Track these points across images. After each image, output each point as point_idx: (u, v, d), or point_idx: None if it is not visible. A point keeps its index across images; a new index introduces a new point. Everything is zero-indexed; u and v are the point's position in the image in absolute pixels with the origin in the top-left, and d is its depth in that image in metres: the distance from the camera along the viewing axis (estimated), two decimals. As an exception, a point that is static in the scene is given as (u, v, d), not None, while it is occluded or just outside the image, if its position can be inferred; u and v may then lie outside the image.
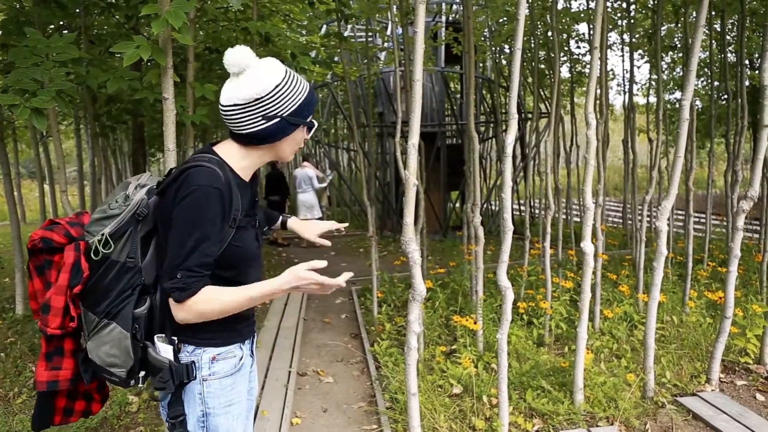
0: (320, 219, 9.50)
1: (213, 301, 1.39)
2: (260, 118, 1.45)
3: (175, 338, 1.48)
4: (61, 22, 4.00)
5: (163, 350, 1.47)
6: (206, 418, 1.51)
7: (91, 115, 4.67)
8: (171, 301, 1.39)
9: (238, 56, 1.43)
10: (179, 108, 2.81)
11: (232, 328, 1.56)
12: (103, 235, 1.41)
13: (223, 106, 1.46)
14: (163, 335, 1.48)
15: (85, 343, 1.49)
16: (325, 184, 9.56)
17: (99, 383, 1.67)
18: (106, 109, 4.85)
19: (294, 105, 1.48)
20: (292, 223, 2.00)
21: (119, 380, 1.48)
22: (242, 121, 1.46)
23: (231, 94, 1.44)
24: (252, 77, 1.43)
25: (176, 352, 1.48)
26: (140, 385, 1.51)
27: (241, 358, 1.58)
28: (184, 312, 1.38)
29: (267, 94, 1.44)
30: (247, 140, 1.50)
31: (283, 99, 1.46)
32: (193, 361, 1.48)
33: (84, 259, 1.44)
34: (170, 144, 2.39)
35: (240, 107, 1.44)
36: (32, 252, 1.52)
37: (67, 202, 3.04)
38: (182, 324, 1.44)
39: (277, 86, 1.44)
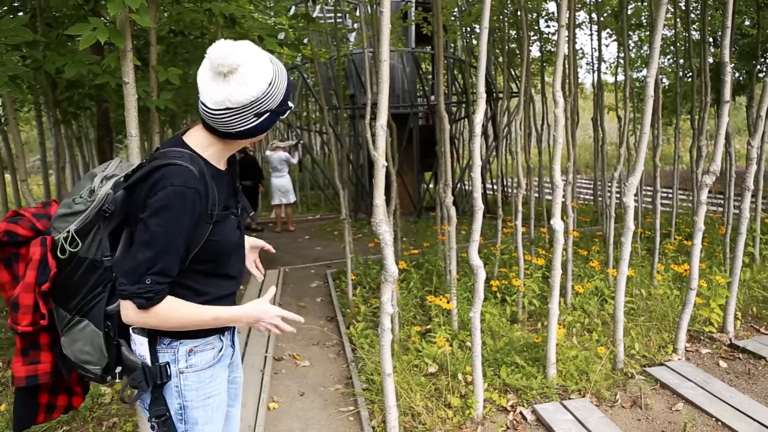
0: (294, 203, 9.46)
1: (176, 312, 1.37)
2: (252, 117, 1.38)
3: (153, 331, 1.44)
4: (15, 3, 3.84)
5: (139, 342, 1.43)
6: (184, 410, 1.49)
7: (51, 101, 4.51)
8: (127, 303, 1.33)
9: (227, 56, 1.31)
10: (142, 93, 2.73)
11: None
12: (68, 232, 1.38)
13: (211, 109, 1.35)
14: (138, 329, 1.43)
15: (60, 338, 1.45)
16: (295, 161, 9.57)
17: (79, 375, 1.62)
18: (67, 95, 4.68)
19: (281, 96, 1.41)
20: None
21: (95, 377, 1.45)
22: (233, 123, 1.38)
23: (221, 98, 1.33)
24: (245, 79, 1.33)
25: (152, 344, 1.44)
26: (118, 380, 1.48)
27: (220, 350, 1.56)
28: (144, 317, 1.34)
29: (262, 95, 1.36)
30: (232, 136, 1.43)
31: (274, 94, 1.39)
32: (168, 362, 1.45)
33: (51, 256, 1.39)
34: (132, 130, 2.32)
35: (233, 110, 1.35)
36: None
37: (28, 191, 2.95)
38: None
39: (270, 83, 1.36)
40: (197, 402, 1.50)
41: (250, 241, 1.88)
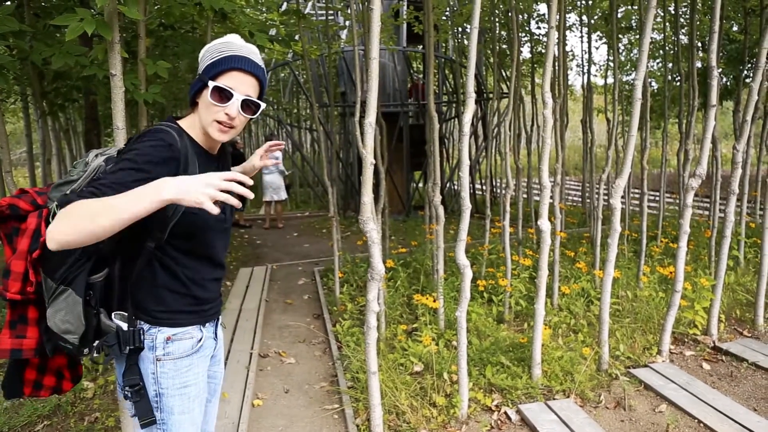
0: (285, 200, 9.41)
1: (80, 204, 1.22)
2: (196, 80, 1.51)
3: (133, 316, 1.48)
4: (1, -7, 3.79)
5: (123, 326, 1.47)
6: (160, 398, 1.51)
7: (38, 93, 4.45)
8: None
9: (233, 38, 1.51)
10: (130, 86, 2.70)
11: (191, 310, 1.55)
12: (62, 199, 1.40)
13: None
14: (122, 313, 1.48)
15: (47, 309, 1.46)
16: (282, 167, 9.45)
17: (69, 360, 1.65)
18: (54, 87, 4.62)
19: (205, 63, 1.48)
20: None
21: (72, 347, 1.45)
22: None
23: None
24: None
25: (134, 328, 1.48)
26: (95, 355, 1.49)
27: (200, 340, 1.57)
28: (53, 223, 1.23)
29: (201, 56, 1.51)
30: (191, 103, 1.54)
31: (203, 58, 1.50)
32: (141, 329, 1.48)
33: (44, 225, 1.42)
34: (119, 122, 2.30)
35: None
36: (2, 219, 1.51)
37: (13, 183, 2.90)
38: (137, 301, 1.46)
39: (208, 47, 1.50)
40: (173, 390, 1.52)
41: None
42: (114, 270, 1.47)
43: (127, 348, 1.46)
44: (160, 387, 1.50)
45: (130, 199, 1.20)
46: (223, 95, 1.45)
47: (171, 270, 1.50)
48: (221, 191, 1.20)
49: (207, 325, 1.61)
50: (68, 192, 1.43)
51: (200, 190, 1.18)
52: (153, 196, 1.19)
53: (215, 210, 1.20)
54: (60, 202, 1.28)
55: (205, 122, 1.48)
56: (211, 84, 1.44)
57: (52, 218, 1.35)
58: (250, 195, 1.28)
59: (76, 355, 1.48)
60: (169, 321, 1.50)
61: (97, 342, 1.48)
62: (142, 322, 1.49)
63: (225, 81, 1.45)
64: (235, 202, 1.25)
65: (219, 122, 1.47)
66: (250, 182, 1.27)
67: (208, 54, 1.49)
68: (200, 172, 1.45)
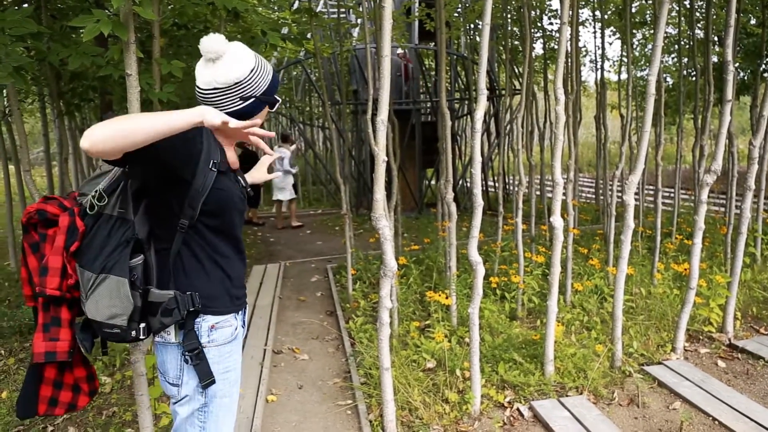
0: (293, 199, 9.40)
1: (120, 116, 1.31)
2: (238, 100, 1.57)
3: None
4: (19, -5, 3.85)
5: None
6: (209, 365, 1.57)
7: (55, 93, 4.52)
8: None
9: (214, 44, 1.53)
10: (145, 85, 2.74)
11: (230, 296, 1.63)
12: (97, 191, 1.49)
13: (201, 89, 1.58)
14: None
15: (84, 306, 1.50)
16: (292, 171, 9.32)
17: (88, 373, 1.68)
18: (70, 87, 4.69)
19: (265, 85, 1.61)
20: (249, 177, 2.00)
21: (120, 331, 1.48)
22: (221, 103, 1.57)
23: (209, 78, 1.55)
24: (229, 63, 1.54)
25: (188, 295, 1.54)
26: (141, 338, 1.52)
27: (236, 328, 1.65)
28: (95, 127, 1.26)
29: (245, 78, 1.56)
30: None
31: (257, 81, 1.59)
32: (194, 294, 1.53)
33: (79, 219, 1.50)
34: (135, 121, 2.33)
35: (220, 91, 1.56)
36: (26, 228, 1.55)
37: (31, 182, 2.95)
38: (181, 282, 1.53)
39: (252, 70, 1.57)
40: (218, 375, 1.58)
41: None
42: (149, 256, 1.54)
43: (187, 310, 1.51)
44: None
45: (167, 114, 1.32)
46: (275, 103, 1.68)
47: (205, 252, 1.57)
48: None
49: (239, 313, 1.69)
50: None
51: (220, 116, 1.36)
52: (180, 116, 1.33)
53: (235, 122, 1.39)
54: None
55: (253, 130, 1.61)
56: (278, 99, 1.67)
57: (90, 209, 1.48)
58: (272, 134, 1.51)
59: (122, 339, 1.50)
60: (211, 309, 1.57)
61: (143, 325, 1.50)
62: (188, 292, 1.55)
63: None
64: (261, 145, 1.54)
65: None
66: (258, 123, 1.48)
67: (263, 75, 1.61)
68: (221, 159, 1.56)
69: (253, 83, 1.58)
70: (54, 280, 1.48)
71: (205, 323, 1.56)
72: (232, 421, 1.68)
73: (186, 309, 1.51)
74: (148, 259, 1.53)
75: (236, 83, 1.55)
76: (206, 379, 1.55)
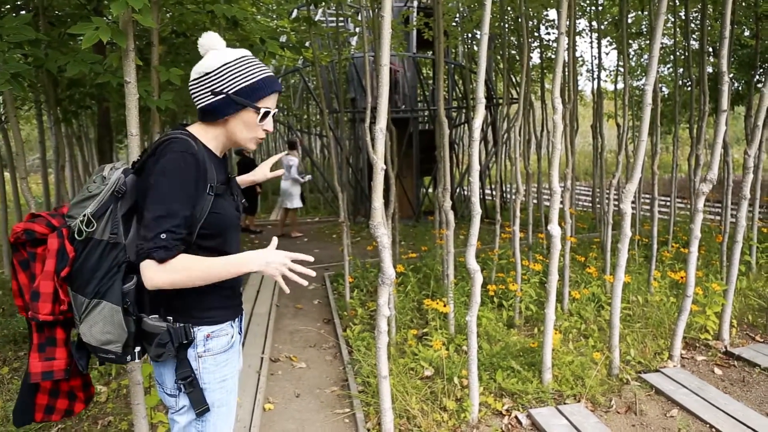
0: (296, 209, 9.37)
1: (193, 263, 1.43)
2: (208, 93, 1.54)
3: (170, 317, 1.52)
4: (18, 2, 3.86)
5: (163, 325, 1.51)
6: (203, 393, 1.57)
7: (52, 100, 4.52)
8: (147, 264, 1.39)
9: (205, 40, 1.56)
10: (143, 92, 2.75)
11: (225, 306, 1.62)
12: (85, 215, 1.45)
13: (189, 82, 1.60)
14: (156, 316, 1.51)
15: (78, 328, 1.49)
16: (301, 180, 9.24)
17: (83, 381, 1.67)
18: (68, 94, 4.70)
19: (239, 85, 1.54)
20: (242, 179, 2.03)
21: (116, 356, 1.49)
22: (195, 95, 1.57)
23: (193, 70, 1.58)
24: (207, 56, 1.56)
25: (180, 325, 1.53)
26: (137, 361, 1.53)
27: (232, 336, 1.64)
28: (164, 273, 1.39)
29: (213, 71, 1.53)
30: (203, 115, 1.58)
31: (228, 77, 1.53)
32: (189, 324, 1.53)
33: (68, 243, 1.46)
34: (133, 129, 2.34)
35: (194, 81, 1.57)
36: (15, 247, 1.52)
37: (28, 189, 2.95)
38: (177, 303, 1.50)
39: (224, 64, 1.54)
40: (214, 384, 1.58)
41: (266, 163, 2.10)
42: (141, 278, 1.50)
43: (179, 342, 1.51)
44: (203, 382, 1.56)
45: (238, 264, 1.46)
46: (266, 116, 1.59)
47: None
48: (288, 268, 1.48)
49: (236, 320, 1.68)
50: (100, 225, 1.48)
51: (278, 269, 1.47)
52: (244, 268, 1.47)
53: (286, 288, 1.55)
54: (151, 248, 1.38)
55: (243, 138, 1.60)
56: (262, 109, 1.57)
57: (78, 235, 1.45)
58: (312, 273, 1.52)
59: (118, 362, 1.51)
60: (207, 320, 1.56)
61: (138, 348, 1.51)
62: (181, 324, 1.52)
63: (268, 104, 1.59)
64: (303, 282, 1.51)
65: (258, 138, 1.62)
66: (311, 259, 1.54)
67: (239, 74, 1.54)
68: (217, 174, 1.55)
69: (223, 78, 1.53)
70: (46, 306, 1.46)
71: (200, 333, 1.55)
72: (230, 429, 1.67)
73: (179, 341, 1.50)
74: (140, 282, 1.46)
75: (206, 74, 1.54)
76: (199, 407, 1.54)
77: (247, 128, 1.59)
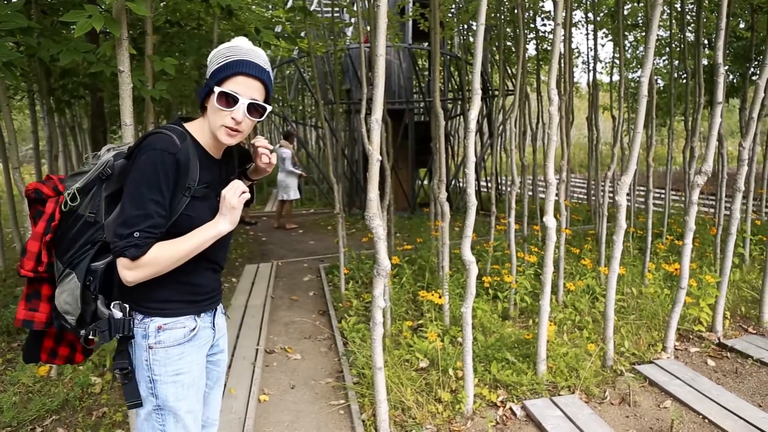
0: (293, 201, 9.34)
1: (164, 250, 1.46)
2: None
3: (126, 306, 1.55)
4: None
5: (116, 315, 1.54)
6: (154, 384, 1.57)
7: (45, 90, 4.48)
8: (122, 261, 1.43)
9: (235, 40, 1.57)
10: (137, 82, 2.72)
11: (184, 300, 1.60)
12: (72, 189, 1.53)
13: None
14: (118, 302, 1.55)
15: (56, 288, 1.58)
16: (296, 171, 9.21)
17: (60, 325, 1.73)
18: (61, 84, 4.65)
19: (211, 69, 1.52)
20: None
21: (71, 327, 1.57)
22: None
23: None
24: None
25: (126, 318, 1.55)
26: (89, 337, 1.56)
27: (193, 329, 1.61)
28: (136, 270, 1.44)
29: (209, 60, 1.55)
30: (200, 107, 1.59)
31: (211, 65, 1.53)
32: (133, 319, 1.55)
33: (57, 210, 1.55)
34: (127, 119, 2.32)
35: None
36: (29, 201, 1.64)
37: (20, 180, 2.93)
38: (131, 293, 1.52)
39: (215, 53, 1.54)
40: (166, 377, 1.57)
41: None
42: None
43: (117, 335, 1.53)
44: (153, 374, 1.56)
45: (198, 236, 1.50)
46: (229, 100, 1.49)
47: None
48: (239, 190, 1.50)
49: (202, 315, 1.65)
50: (85, 212, 1.55)
51: (238, 199, 1.50)
52: (212, 231, 1.51)
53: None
54: (124, 246, 1.42)
55: (214, 126, 1.53)
56: (217, 89, 1.48)
57: (63, 206, 1.53)
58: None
59: (75, 334, 1.59)
60: (160, 311, 1.56)
61: (92, 325, 1.55)
62: (136, 312, 1.55)
63: (230, 86, 1.49)
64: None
65: (226, 126, 1.51)
66: (247, 196, 1.54)
67: (215, 59, 1.53)
68: (201, 175, 1.53)
69: (210, 63, 1.54)
70: (29, 263, 1.56)
71: (152, 324, 1.54)
72: (196, 426, 1.66)
73: (117, 333, 1.52)
74: (113, 262, 1.48)
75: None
76: (131, 400, 1.56)
77: (214, 114, 1.51)
